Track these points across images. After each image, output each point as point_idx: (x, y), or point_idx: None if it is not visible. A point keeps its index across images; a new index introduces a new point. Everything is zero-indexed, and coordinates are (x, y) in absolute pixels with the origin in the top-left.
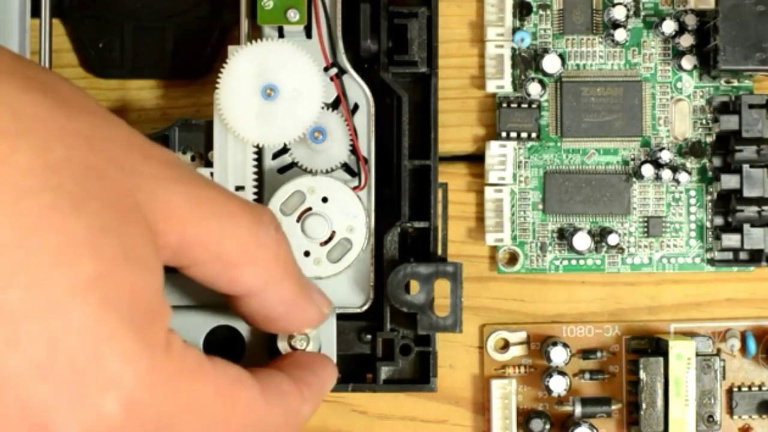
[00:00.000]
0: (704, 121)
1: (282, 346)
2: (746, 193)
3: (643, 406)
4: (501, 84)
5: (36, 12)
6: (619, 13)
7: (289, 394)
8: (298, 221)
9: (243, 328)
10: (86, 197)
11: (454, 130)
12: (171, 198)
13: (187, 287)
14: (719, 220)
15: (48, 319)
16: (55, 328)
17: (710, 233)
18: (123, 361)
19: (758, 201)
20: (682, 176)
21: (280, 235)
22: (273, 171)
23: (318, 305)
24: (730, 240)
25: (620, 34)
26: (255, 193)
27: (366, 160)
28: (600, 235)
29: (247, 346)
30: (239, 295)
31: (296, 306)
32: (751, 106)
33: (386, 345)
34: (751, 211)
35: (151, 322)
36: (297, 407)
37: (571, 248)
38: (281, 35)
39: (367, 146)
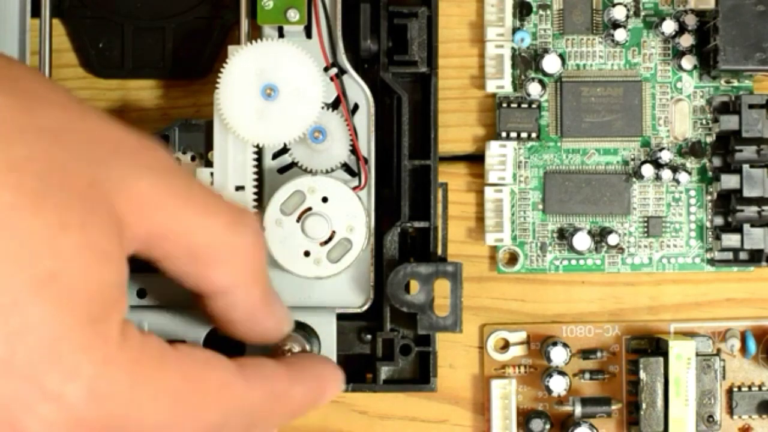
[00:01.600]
0: (704, 121)
1: (275, 351)
2: (746, 193)
3: (643, 406)
4: (501, 84)
5: (36, 12)
6: (619, 13)
7: (273, 373)
8: (298, 221)
9: None
10: (47, 194)
11: (454, 130)
12: (141, 187)
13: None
14: (719, 220)
15: (7, 316)
16: (14, 326)
17: (710, 233)
18: (79, 353)
19: (758, 201)
20: (682, 176)
21: (258, 240)
22: (273, 171)
23: (278, 320)
24: (730, 240)
25: (620, 34)
26: (255, 193)
27: (366, 160)
28: (600, 235)
29: (247, 346)
30: (205, 294)
31: (257, 315)
32: (751, 106)
33: (386, 345)
34: (751, 211)
35: (106, 315)
36: (284, 388)
37: (571, 248)
38: (281, 35)
39: (367, 146)
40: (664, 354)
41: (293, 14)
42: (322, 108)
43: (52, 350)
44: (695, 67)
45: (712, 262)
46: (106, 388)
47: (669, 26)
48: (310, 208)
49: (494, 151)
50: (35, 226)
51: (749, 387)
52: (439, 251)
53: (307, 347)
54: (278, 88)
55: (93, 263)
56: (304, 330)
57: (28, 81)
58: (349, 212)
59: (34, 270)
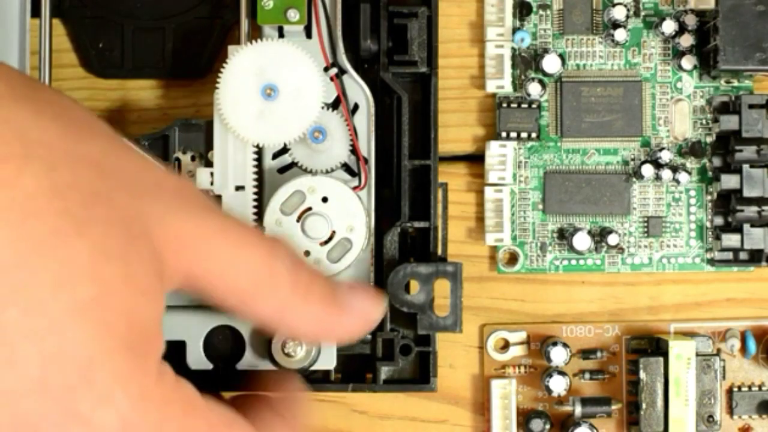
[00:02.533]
0: (704, 121)
1: (275, 351)
2: (746, 193)
3: (643, 406)
4: (501, 84)
5: (36, 12)
6: (619, 13)
7: None
8: (298, 221)
9: (243, 328)
10: (91, 222)
11: (454, 130)
12: (181, 227)
13: None
14: (719, 220)
15: (44, 338)
16: (50, 349)
17: (710, 233)
18: (114, 381)
19: (758, 201)
20: (682, 176)
21: (296, 262)
22: (273, 171)
23: (358, 312)
24: (730, 240)
25: (620, 34)
26: (255, 193)
27: (366, 160)
28: (600, 235)
29: (247, 346)
30: (260, 325)
31: (328, 322)
32: (751, 106)
33: (386, 345)
34: (751, 211)
35: (145, 349)
36: None
37: (571, 248)
38: (281, 35)
39: (367, 146)
40: (664, 354)
41: (293, 14)
42: (322, 108)
43: (87, 375)
44: (695, 67)
45: (712, 262)
46: (137, 421)
47: (669, 26)
48: (310, 208)
49: (494, 151)
50: (78, 252)
51: (749, 387)
52: (439, 251)
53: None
54: (278, 88)
55: (135, 294)
56: None
57: (76, 111)
58: (349, 212)
59: (75, 294)
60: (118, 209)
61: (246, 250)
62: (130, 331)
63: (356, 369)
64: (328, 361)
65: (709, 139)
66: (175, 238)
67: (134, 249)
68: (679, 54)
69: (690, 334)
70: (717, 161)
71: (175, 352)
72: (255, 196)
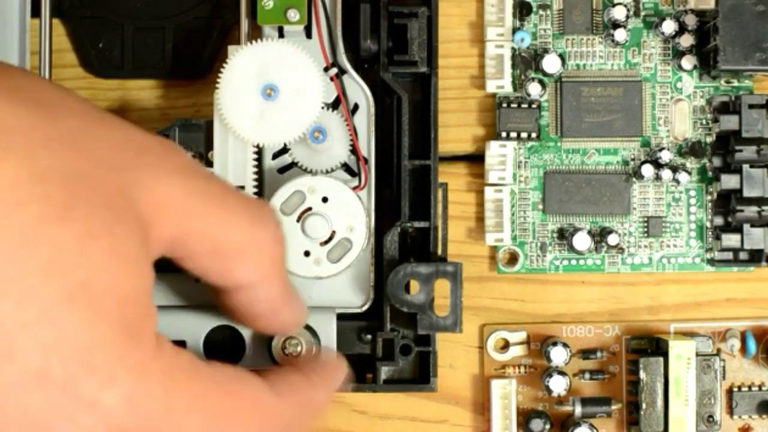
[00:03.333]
0: (704, 121)
1: (276, 352)
2: (746, 193)
3: (643, 406)
4: (501, 84)
5: (36, 12)
6: (619, 13)
7: (298, 384)
8: (298, 221)
9: (243, 328)
10: (74, 204)
11: (454, 130)
12: (166, 190)
13: (187, 287)
14: (719, 220)
15: (40, 328)
16: (48, 337)
17: (710, 233)
18: (114, 361)
19: (758, 201)
20: (682, 176)
21: (279, 232)
22: (273, 171)
23: (297, 312)
24: (730, 240)
25: (620, 34)
26: (255, 193)
27: (366, 160)
28: (600, 235)
29: (247, 346)
30: (229, 289)
31: (279, 306)
32: (751, 106)
33: (386, 345)
34: (751, 211)
35: (140, 324)
36: (310, 396)
37: (571, 248)
38: (281, 35)
39: (367, 146)
40: (664, 354)
41: (293, 14)
42: (322, 108)
43: (87, 359)
44: (695, 67)
45: (712, 262)
46: (143, 396)
47: (669, 26)
48: (310, 208)
49: (494, 151)
50: (63, 237)
51: (749, 387)
52: (439, 251)
53: (314, 344)
54: (278, 88)
55: (123, 270)
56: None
57: (46, 91)
58: (349, 212)
59: (65, 281)
60: (100, 186)
61: (232, 213)
62: (123, 309)
63: (356, 369)
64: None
65: (709, 139)
66: (160, 203)
67: (120, 223)
68: (679, 54)
69: (690, 334)
70: (717, 161)
71: None
72: (255, 197)
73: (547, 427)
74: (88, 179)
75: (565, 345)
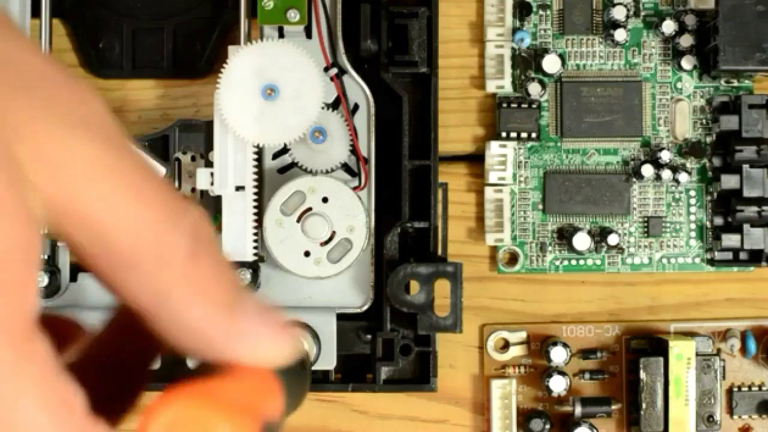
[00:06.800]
0: (704, 121)
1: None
2: (746, 193)
3: (643, 406)
4: (501, 84)
5: (36, 12)
6: (619, 13)
7: None
8: (298, 221)
9: None
10: None
11: (454, 130)
12: (54, 138)
13: None
14: (719, 220)
15: None
16: None
17: (710, 233)
18: None
19: (758, 201)
20: (682, 176)
21: (202, 242)
22: (273, 171)
23: (254, 337)
24: (730, 240)
25: (620, 34)
26: (255, 194)
27: (366, 160)
28: (600, 235)
29: None
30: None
31: (213, 332)
32: (751, 107)
33: (386, 345)
34: (751, 211)
35: (4, 301)
36: None
37: (571, 248)
38: (281, 35)
39: (367, 146)
40: (664, 354)
41: (293, 14)
42: (323, 108)
43: None
44: (695, 67)
45: (712, 262)
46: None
47: (669, 26)
48: (310, 209)
49: (494, 151)
50: None
51: (749, 387)
52: (439, 251)
53: (307, 348)
54: (278, 88)
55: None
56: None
57: None
58: (350, 212)
59: None
60: None
61: (138, 202)
62: None
63: (356, 369)
64: (328, 361)
65: (709, 139)
66: (43, 153)
67: None
68: (679, 54)
69: (690, 334)
70: (717, 161)
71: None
72: (255, 197)
73: (547, 427)
74: None
75: (565, 345)
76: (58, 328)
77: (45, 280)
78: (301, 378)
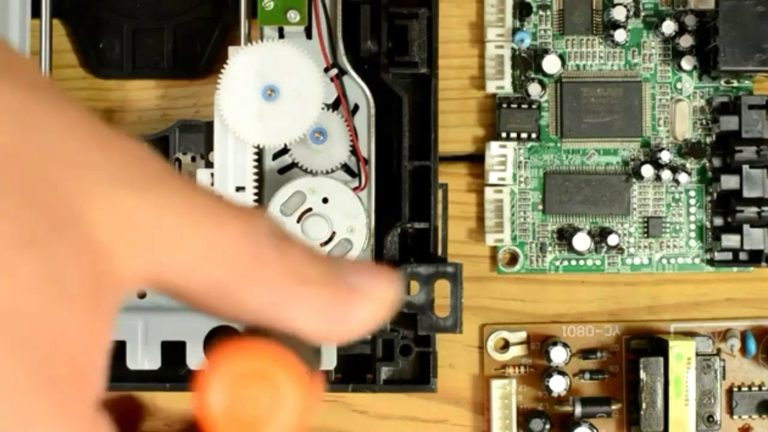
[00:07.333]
0: (704, 122)
1: None
2: (746, 194)
3: (643, 406)
4: (501, 84)
5: (36, 12)
6: (619, 13)
7: None
8: (298, 222)
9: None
10: None
11: (454, 130)
12: (134, 209)
13: None
14: (719, 221)
15: None
16: None
17: (710, 233)
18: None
19: (758, 201)
20: (682, 177)
21: (284, 238)
22: (273, 171)
23: (370, 292)
24: (730, 240)
25: (620, 35)
26: (255, 194)
27: (366, 161)
28: (600, 236)
29: None
30: (249, 320)
31: (336, 311)
32: (750, 107)
33: (386, 345)
34: (750, 211)
35: (72, 386)
36: None
37: (571, 248)
38: (281, 36)
39: (367, 147)
40: (664, 354)
41: (293, 15)
42: (323, 109)
43: None
44: (695, 67)
45: (712, 262)
46: None
47: (669, 27)
48: (310, 209)
49: (494, 151)
50: None
51: (749, 387)
52: (439, 251)
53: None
54: (279, 88)
55: (57, 305)
56: None
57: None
58: (350, 213)
59: None
60: (40, 184)
61: (220, 231)
62: (50, 359)
63: (356, 369)
64: (328, 361)
65: (708, 140)
66: (125, 225)
67: (61, 238)
68: (678, 54)
69: (690, 334)
70: (717, 162)
71: (174, 352)
72: (255, 197)
73: (547, 427)
74: (23, 167)
75: (565, 345)
76: (123, 407)
77: None
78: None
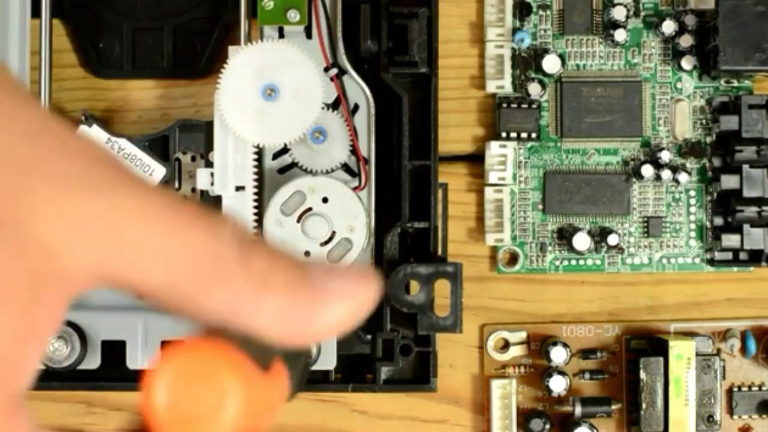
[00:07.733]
0: (704, 122)
1: None
2: (746, 194)
3: (643, 406)
4: (501, 84)
5: (36, 12)
6: (619, 13)
7: None
8: (298, 221)
9: None
10: None
11: (454, 130)
12: (84, 209)
13: None
14: (719, 221)
15: None
16: None
17: (710, 233)
18: None
19: (758, 201)
20: (682, 176)
21: (248, 241)
22: (273, 171)
23: (338, 294)
24: (730, 240)
25: (620, 35)
26: (255, 194)
27: (366, 161)
28: (600, 236)
29: None
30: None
31: (298, 314)
32: (750, 107)
33: (386, 345)
34: (750, 211)
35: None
36: None
37: (571, 248)
38: (281, 36)
39: (367, 146)
40: (664, 354)
41: (293, 15)
42: (323, 108)
43: None
44: (695, 67)
45: (712, 262)
46: None
47: (669, 26)
48: (310, 209)
49: (494, 151)
50: None
51: (749, 387)
52: (439, 251)
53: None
54: (279, 88)
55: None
56: None
57: None
58: (350, 212)
59: None
60: None
61: (180, 233)
62: None
63: (356, 369)
64: (328, 361)
65: (709, 140)
66: (73, 225)
67: (3, 246)
68: (678, 54)
69: (690, 334)
70: (717, 161)
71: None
72: (255, 197)
73: (547, 427)
74: None
75: (565, 345)
76: None
77: None
78: (301, 357)
